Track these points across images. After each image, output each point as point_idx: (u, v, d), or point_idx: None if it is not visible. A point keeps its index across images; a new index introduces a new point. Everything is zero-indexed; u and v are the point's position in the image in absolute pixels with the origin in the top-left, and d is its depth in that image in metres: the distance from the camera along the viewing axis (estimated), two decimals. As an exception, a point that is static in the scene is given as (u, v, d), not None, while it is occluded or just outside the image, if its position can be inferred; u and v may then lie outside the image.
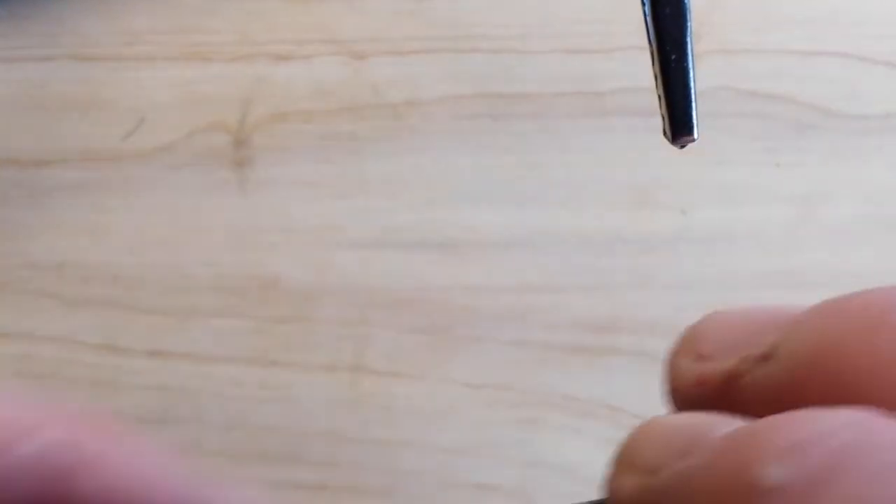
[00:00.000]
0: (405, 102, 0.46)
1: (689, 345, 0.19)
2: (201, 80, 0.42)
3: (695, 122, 0.19)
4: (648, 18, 0.19)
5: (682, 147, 0.20)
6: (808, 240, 0.42)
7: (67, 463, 0.20)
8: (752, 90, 0.44)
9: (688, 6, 0.19)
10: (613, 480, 0.17)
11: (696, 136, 0.20)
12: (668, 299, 0.40)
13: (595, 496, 0.20)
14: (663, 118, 0.20)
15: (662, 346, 0.20)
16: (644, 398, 0.32)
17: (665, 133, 0.20)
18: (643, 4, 0.19)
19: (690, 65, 0.19)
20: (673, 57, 0.19)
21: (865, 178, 0.43)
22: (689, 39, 0.19)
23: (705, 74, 0.41)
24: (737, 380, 0.18)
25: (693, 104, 0.19)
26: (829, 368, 0.16)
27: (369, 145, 0.42)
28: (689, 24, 0.19)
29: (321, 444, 0.39)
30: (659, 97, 0.20)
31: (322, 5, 0.45)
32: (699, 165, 0.43)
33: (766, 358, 0.17)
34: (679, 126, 0.19)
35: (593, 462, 0.29)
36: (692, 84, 0.19)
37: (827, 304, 0.17)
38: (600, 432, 0.40)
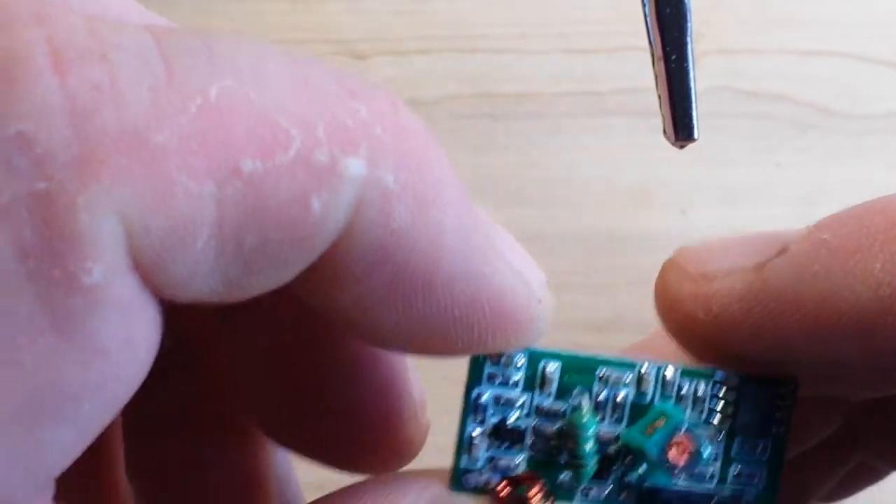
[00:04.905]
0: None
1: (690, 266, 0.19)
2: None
3: (695, 122, 0.19)
4: (648, 18, 0.19)
5: (682, 147, 0.20)
6: (808, 240, 0.42)
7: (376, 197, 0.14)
8: (752, 90, 0.44)
9: (688, 6, 0.19)
10: None
11: (696, 136, 0.20)
12: (668, 299, 0.40)
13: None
14: (663, 118, 0.20)
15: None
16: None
17: (665, 133, 0.20)
18: (643, 4, 0.19)
19: (690, 65, 0.19)
20: (673, 57, 0.19)
21: (865, 178, 0.43)
22: (689, 39, 0.19)
23: (705, 74, 0.41)
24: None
25: (693, 104, 0.19)
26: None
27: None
28: (689, 24, 0.19)
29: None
30: (659, 97, 0.20)
31: (322, 5, 0.45)
32: (699, 165, 0.43)
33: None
34: (679, 126, 0.19)
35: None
36: (692, 84, 0.19)
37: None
38: (600, 432, 0.40)
